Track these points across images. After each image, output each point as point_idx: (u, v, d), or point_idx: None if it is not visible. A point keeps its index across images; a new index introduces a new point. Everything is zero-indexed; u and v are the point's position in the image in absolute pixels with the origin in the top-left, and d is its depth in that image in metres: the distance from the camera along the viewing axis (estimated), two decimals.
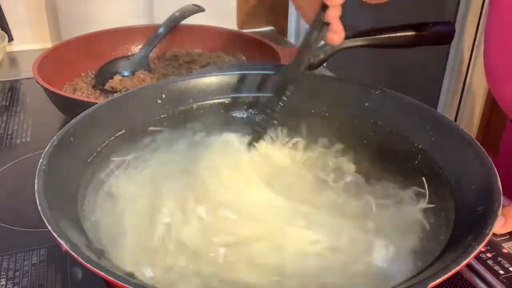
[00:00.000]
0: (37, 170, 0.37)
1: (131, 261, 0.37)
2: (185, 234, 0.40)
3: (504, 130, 0.86)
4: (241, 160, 0.48)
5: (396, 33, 0.75)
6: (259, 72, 0.54)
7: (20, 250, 0.49)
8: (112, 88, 0.76)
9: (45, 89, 0.67)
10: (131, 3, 0.92)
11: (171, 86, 0.52)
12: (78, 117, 0.44)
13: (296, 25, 1.20)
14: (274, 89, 0.50)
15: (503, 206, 0.37)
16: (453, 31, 0.76)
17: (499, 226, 0.42)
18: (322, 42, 0.74)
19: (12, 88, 0.84)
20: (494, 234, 0.45)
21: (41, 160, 0.38)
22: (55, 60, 0.76)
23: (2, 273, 0.46)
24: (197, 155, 0.49)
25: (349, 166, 0.49)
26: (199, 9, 0.90)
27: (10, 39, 0.99)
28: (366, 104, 0.51)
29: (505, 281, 0.42)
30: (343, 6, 0.47)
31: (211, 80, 0.53)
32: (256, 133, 0.50)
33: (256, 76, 0.54)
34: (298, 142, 0.51)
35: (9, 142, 0.68)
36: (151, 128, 0.50)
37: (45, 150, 0.39)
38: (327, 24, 0.46)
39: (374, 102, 0.51)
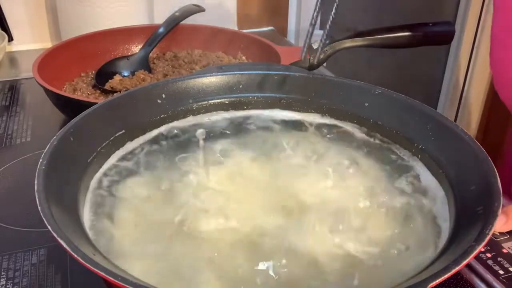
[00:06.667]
0: (37, 170, 0.37)
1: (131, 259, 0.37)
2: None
3: (506, 131, 0.87)
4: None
5: (396, 33, 0.75)
6: (259, 72, 0.54)
7: (20, 250, 0.49)
8: (112, 88, 0.76)
9: (45, 89, 0.67)
10: (131, 3, 0.92)
11: (171, 86, 0.52)
12: (78, 117, 0.44)
13: (296, 25, 1.20)
14: None
15: (503, 205, 0.37)
16: (453, 31, 0.76)
17: (501, 224, 0.42)
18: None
19: (12, 88, 0.84)
20: (494, 234, 0.45)
21: (41, 160, 0.38)
22: (55, 60, 0.76)
23: (2, 273, 0.46)
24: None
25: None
26: (199, 9, 0.90)
27: (10, 39, 0.99)
28: (366, 104, 0.51)
29: (505, 281, 0.42)
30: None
31: (211, 80, 0.53)
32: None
33: (256, 76, 0.54)
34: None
35: (9, 142, 0.68)
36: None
37: (45, 150, 0.39)
38: None
39: (374, 102, 0.51)
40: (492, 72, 0.70)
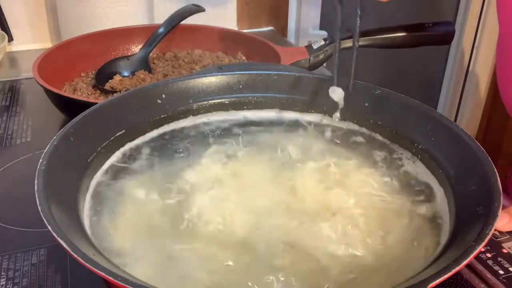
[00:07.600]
0: (37, 170, 0.37)
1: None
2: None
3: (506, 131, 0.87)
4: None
5: (396, 33, 0.75)
6: (259, 72, 0.54)
7: (20, 250, 0.49)
8: (112, 88, 0.76)
9: (45, 89, 0.67)
10: (131, 3, 0.92)
11: (171, 86, 0.52)
12: (78, 117, 0.44)
13: (296, 25, 1.20)
14: None
15: (504, 206, 0.37)
16: (453, 31, 0.76)
17: (503, 223, 0.42)
18: (322, 42, 0.75)
19: (12, 88, 0.84)
20: (494, 234, 0.45)
21: (41, 160, 0.38)
22: (55, 60, 0.76)
23: (2, 273, 0.46)
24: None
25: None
26: (199, 9, 0.90)
27: (10, 39, 0.99)
28: (366, 104, 0.51)
29: (505, 281, 0.42)
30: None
31: (211, 80, 0.53)
32: None
33: (256, 76, 0.54)
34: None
35: (9, 142, 0.68)
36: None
37: (45, 150, 0.39)
38: None
39: (374, 102, 0.51)
40: (499, 86, 0.70)
